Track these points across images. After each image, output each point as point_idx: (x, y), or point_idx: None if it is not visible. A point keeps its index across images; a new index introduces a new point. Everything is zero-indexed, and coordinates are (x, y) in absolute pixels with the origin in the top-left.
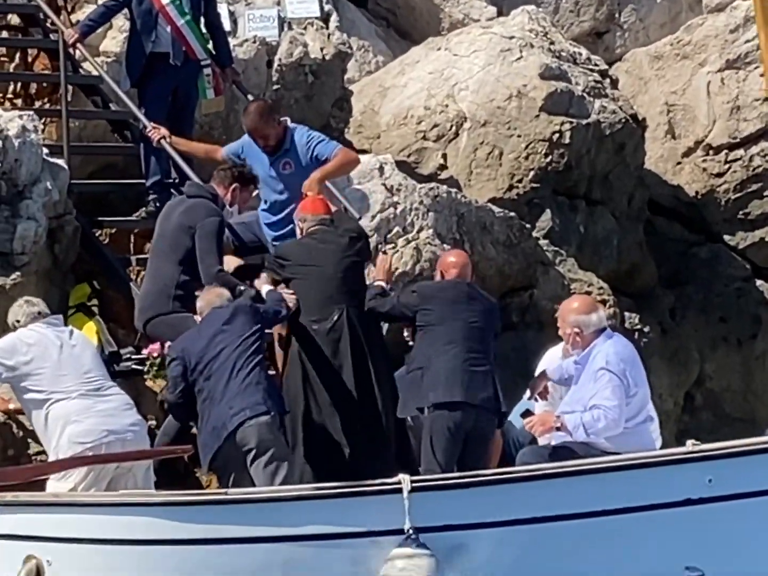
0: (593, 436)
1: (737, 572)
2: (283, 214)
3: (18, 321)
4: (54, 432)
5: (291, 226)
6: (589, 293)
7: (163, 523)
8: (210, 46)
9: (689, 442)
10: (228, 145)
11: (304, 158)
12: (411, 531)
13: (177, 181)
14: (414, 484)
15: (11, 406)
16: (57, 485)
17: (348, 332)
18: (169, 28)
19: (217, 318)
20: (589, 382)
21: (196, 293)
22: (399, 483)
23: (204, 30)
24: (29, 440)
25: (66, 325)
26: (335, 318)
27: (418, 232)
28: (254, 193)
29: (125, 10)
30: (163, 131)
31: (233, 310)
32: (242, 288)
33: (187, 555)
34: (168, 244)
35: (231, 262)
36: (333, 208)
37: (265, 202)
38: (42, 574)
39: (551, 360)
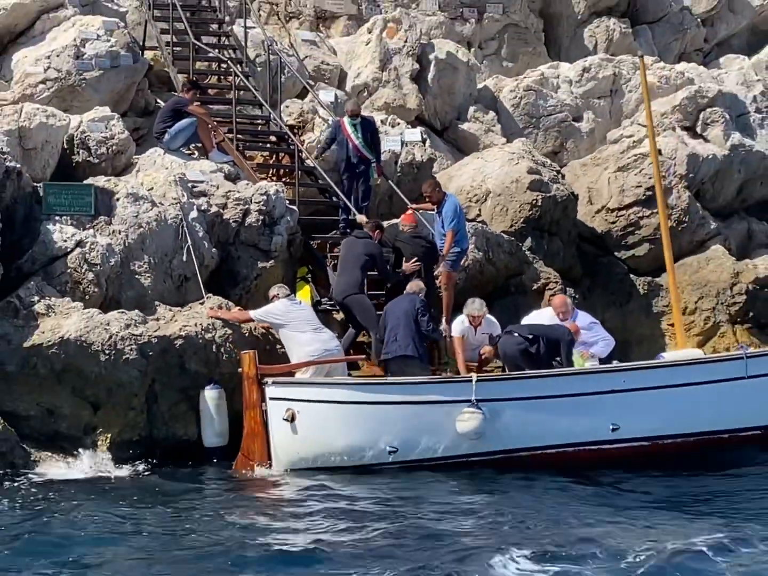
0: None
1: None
2: (440, 240)
3: (276, 295)
4: (297, 351)
5: (441, 242)
6: None
7: (360, 393)
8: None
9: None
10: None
11: (441, 222)
12: (474, 401)
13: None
14: (478, 377)
15: (236, 315)
16: (299, 375)
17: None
18: (351, 144)
19: (404, 298)
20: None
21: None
22: (471, 379)
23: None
24: (268, 348)
25: (295, 291)
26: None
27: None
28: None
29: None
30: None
31: (412, 300)
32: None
33: (370, 410)
34: (354, 259)
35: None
36: (415, 222)
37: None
38: (295, 418)
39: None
